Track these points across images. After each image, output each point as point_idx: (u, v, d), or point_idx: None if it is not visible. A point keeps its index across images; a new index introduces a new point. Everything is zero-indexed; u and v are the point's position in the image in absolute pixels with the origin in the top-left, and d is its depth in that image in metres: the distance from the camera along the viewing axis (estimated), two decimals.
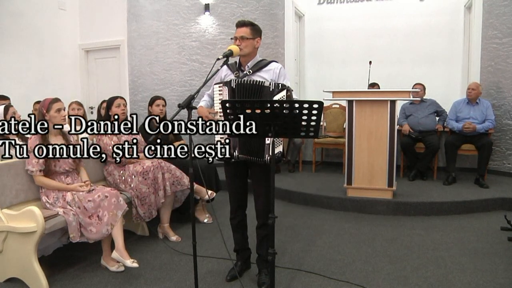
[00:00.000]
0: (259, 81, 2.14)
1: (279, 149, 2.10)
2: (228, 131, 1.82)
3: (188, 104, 1.91)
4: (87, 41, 6.22)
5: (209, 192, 3.22)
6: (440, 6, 5.74)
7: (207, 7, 5.39)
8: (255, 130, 1.77)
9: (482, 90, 4.48)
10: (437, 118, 4.72)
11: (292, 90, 2.18)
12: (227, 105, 1.72)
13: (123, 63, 6.01)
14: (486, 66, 4.82)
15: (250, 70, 2.24)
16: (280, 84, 2.12)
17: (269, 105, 1.67)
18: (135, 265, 2.40)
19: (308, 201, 4.01)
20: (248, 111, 1.69)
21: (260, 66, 2.25)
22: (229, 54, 2.11)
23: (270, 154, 2.05)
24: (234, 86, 2.15)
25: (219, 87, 2.22)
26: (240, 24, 2.23)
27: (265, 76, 2.21)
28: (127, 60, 5.93)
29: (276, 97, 2.07)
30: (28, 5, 5.34)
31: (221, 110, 2.14)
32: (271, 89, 2.10)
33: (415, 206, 3.64)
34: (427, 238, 3.05)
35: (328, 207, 3.87)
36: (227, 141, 2.19)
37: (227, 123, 1.79)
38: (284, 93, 2.09)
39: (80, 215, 2.45)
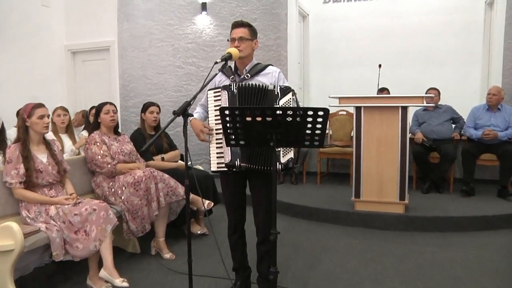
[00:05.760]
0: (263, 85, 2.17)
1: (289, 155, 2.11)
2: (225, 142, 1.86)
3: (183, 111, 1.95)
4: (74, 41, 6.24)
5: (206, 202, 3.24)
6: (457, 2, 5.75)
7: (204, 6, 5.46)
8: (256, 139, 1.81)
9: (505, 94, 4.45)
10: (453, 126, 4.75)
11: (296, 94, 2.23)
12: (226, 112, 1.75)
13: (113, 66, 6.05)
14: (509, 67, 4.80)
15: (248, 74, 2.27)
16: (285, 87, 2.15)
17: (270, 112, 1.70)
18: (125, 284, 2.41)
19: (313, 215, 4.03)
20: (249, 119, 1.72)
21: (258, 70, 2.29)
22: (228, 58, 2.14)
23: (281, 161, 2.08)
24: (235, 90, 2.17)
25: (215, 92, 2.25)
26: (238, 25, 2.27)
27: (264, 80, 2.26)
28: (117, 62, 5.97)
29: (282, 101, 2.11)
30: (6, 0, 5.25)
31: (217, 118, 2.21)
32: (275, 93, 2.13)
33: (430, 221, 3.65)
34: (443, 256, 3.06)
35: (334, 221, 3.89)
36: (226, 151, 2.20)
37: (224, 135, 1.83)
38: (290, 96, 2.13)
39: (65, 230, 2.45)
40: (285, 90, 2.14)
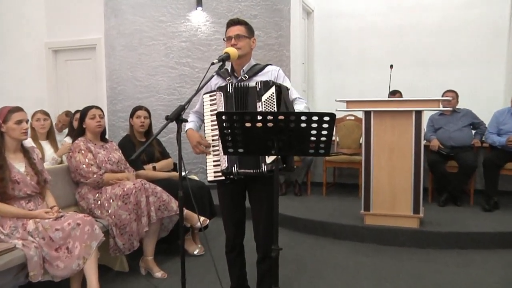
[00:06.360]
0: (246, 84, 2.22)
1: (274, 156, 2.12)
2: (223, 151, 1.88)
3: (177, 116, 1.97)
4: (56, 38, 6.26)
5: (202, 218, 3.25)
6: None
7: (199, 2, 5.50)
8: (256, 146, 1.82)
9: None
10: (473, 132, 4.77)
11: (289, 89, 2.24)
12: (223, 117, 1.77)
13: (99, 66, 6.09)
14: None
15: (246, 75, 2.31)
16: (267, 81, 2.17)
17: (272, 117, 1.72)
18: None
19: (318, 230, 4.04)
20: (248, 124, 1.74)
21: (256, 70, 2.33)
22: (225, 58, 2.18)
23: (266, 162, 2.10)
24: (231, 91, 2.21)
25: (211, 95, 2.29)
26: (234, 23, 2.32)
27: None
28: (104, 62, 6.00)
29: (264, 97, 2.13)
30: None
31: (213, 123, 2.23)
32: (258, 89, 2.16)
33: (447, 237, 3.65)
34: (463, 276, 3.05)
35: (342, 237, 3.90)
36: (223, 158, 2.22)
37: (221, 143, 1.84)
38: (272, 90, 2.13)
39: (45, 247, 2.45)
40: (268, 85, 2.15)
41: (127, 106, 5.47)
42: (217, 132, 2.17)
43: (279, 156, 2.03)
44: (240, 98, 2.20)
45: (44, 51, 6.33)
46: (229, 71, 2.36)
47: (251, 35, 2.34)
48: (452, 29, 5.89)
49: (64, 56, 6.41)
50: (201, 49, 5.56)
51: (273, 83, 2.15)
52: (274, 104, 2.12)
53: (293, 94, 2.34)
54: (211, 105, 2.28)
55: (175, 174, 3.65)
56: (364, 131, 3.80)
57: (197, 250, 3.53)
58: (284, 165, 2.06)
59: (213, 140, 2.27)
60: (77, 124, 3.38)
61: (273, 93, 2.13)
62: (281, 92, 2.15)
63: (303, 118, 1.71)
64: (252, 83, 2.20)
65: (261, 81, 2.18)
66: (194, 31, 5.57)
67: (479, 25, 5.80)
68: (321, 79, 6.59)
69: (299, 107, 2.27)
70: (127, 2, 5.76)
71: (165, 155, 3.80)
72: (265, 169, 2.13)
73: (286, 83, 2.33)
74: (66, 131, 4.92)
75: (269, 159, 2.10)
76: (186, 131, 2.36)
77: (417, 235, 3.68)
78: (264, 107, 2.12)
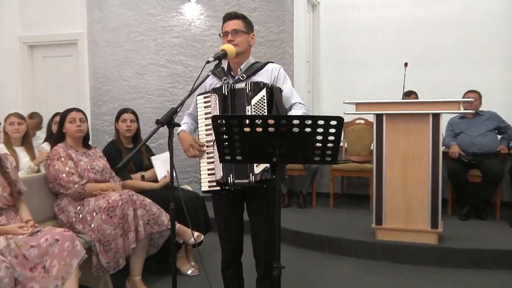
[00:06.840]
0: (233, 85, 2.24)
1: (264, 164, 2.12)
2: (219, 158, 1.90)
3: (169, 120, 1.99)
4: (31, 33, 6.24)
5: (196, 233, 3.26)
6: None
7: None
8: (256, 153, 1.84)
9: None
10: (498, 137, 4.77)
11: (282, 90, 2.26)
12: (220, 121, 1.78)
13: (82, 64, 6.10)
14: None
15: (244, 75, 2.33)
16: (258, 83, 2.19)
17: (274, 122, 1.74)
18: None
19: (325, 246, 4.05)
20: (247, 129, 1.76)
21: (255, 69, 2.35)
22: (222, 56, 2.20)
23: (255, 172, 2.13)
24: (227, 93, 2.23)
25: (205, 97, 2.31)
26: (230, 17, 2.35)
27: (262, 80, 2.30)
28: (87, 60, 6.02)
29: (253, 100, 2.16)
30: None
31: (208, 128, 2.25)
32: (247, 91, 2.19)
33: (470, 255, 3.65)
34: None
35: (351, 254, 3.90)
36: (218, 167, 2.24)
37: (218, 150, 1.86)
38: (263, 92, 2.16)
39: (17, 267, 2.42)
40: (258, 87, 2.17)
41: (112, 109, 5.48)
42: (212, 137, 2.19)
43: (268, 165, 2.06)
44: (238, 101, 2.22)
45: (18, 46, 6.30)
46: (226, 70, 2.39)
47: (249, 30, 2.36)
48: (475, 23, 5.88)
49: (41, 52, 6.41)
50: (195, 46, 5.58)
51: (264, 85, 2.18)
52: (264, 108, 2.14)
53: (293, 97, 2.36)
54: (205, 107, 2.31)
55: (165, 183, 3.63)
56: (375, 136, 3.82)
57: (190, 270, 3.53)
58: (273, 176, 2.09)
59: (207, 146, 2.29)
60: (56, 128, 3.39)
61: (263, 96, 2.15)
62: (273, 94, 2.17)
63: (308, 122, 1.72)
64: (241, 85, 2.23)
65: (251, 82, 2.21)
66: (188, 26, 5.60)
67: (505, 18, 5.80)
68: (328, 78, 6.60)
69: (296, 113, 2.29)
70: None
71: None
72: (253, 180, 2.15)
73: (288, 83, 2.36)
74: (39, 134, 4.91)
75: (258, 169, 2.12)
76: (178, 133, 2.38)
77: (435, 252, 3.69)
78: (254, 111, 2.15)
